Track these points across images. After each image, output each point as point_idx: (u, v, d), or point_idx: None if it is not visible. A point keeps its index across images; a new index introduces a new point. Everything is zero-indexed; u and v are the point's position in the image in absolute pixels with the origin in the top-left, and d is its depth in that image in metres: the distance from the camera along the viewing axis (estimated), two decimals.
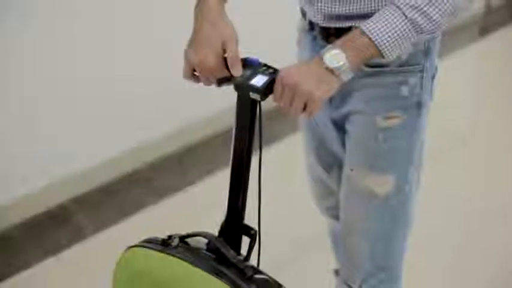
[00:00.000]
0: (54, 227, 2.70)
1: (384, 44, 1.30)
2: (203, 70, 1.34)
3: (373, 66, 1.43)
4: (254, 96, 1.28)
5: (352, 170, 1.56)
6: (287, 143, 3.28)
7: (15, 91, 2.63)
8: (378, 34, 1.30)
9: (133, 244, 1.42)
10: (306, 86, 1.26)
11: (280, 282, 1.38)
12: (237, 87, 1.30)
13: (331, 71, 1.28)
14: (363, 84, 1.47)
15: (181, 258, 1.33)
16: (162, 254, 1.35)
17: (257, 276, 1.35)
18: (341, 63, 1.28)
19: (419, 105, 1.48)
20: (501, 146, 3.28)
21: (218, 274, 1.31)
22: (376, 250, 1.61)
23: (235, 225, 1.42)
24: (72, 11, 2.66)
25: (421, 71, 1.46)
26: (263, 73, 1.29)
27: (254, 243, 1.40)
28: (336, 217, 1.83)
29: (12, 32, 2.50)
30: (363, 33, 1.30)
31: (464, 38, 4.46)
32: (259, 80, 1.27)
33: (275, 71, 1.30)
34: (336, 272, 1.84)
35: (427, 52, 1.46)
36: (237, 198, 1.40)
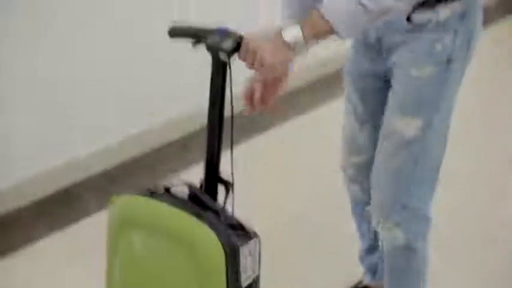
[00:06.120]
0: (62, 208, 2.89)
1: (334, 18, 1.52)
2: None
3: (415, 25, 1.70)
4: (223, 56, 1.52)
5: (388, 112, 1.83)
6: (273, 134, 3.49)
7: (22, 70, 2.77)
8: (329, 9, 1.53)
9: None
10: (263, 53, 1.51)
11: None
12: (209, 48, 1.55)
13: (287, 45, 1.53)
14: (406, 39, 1.73)
15: (166, 203, 1.54)
16: (148, 199, 1.56)
17: (233, 221, 1.55)
18: (297, 39, 1.52)
19: (449, 61, 1.74)
20: (493, 141, 3.42)
21: (198, 216, 1.51)
22: (398, 188, 1.85)
23: (212, 178, 1.63)
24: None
25: (456, 32, 1.71)
26: (231, 37, 1.53)
27: (229, 192, 1.61)
28: (356, 180, 2.09)
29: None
30: (319, 10, 1.55)
31: None
32: (227, 43, 1.52)
33: (241, 37, 1.54)
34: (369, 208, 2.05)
35: (463, 17, 1.71)
36: (213, 153, 1.61)
